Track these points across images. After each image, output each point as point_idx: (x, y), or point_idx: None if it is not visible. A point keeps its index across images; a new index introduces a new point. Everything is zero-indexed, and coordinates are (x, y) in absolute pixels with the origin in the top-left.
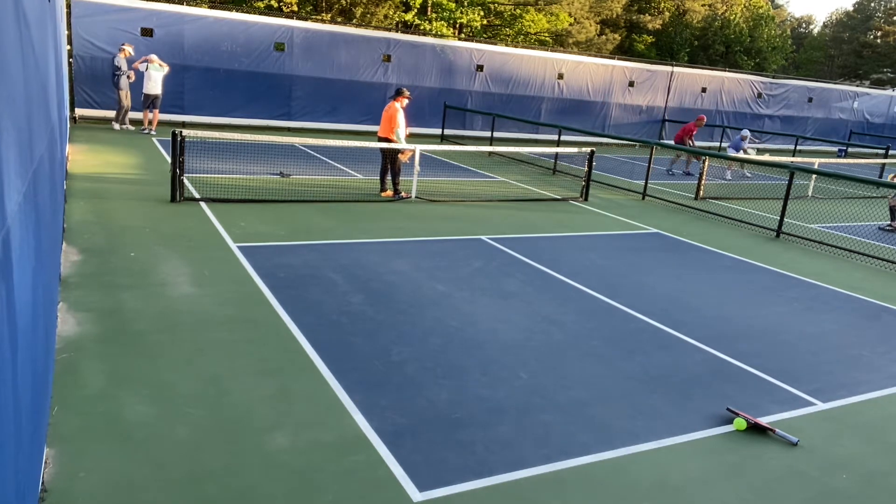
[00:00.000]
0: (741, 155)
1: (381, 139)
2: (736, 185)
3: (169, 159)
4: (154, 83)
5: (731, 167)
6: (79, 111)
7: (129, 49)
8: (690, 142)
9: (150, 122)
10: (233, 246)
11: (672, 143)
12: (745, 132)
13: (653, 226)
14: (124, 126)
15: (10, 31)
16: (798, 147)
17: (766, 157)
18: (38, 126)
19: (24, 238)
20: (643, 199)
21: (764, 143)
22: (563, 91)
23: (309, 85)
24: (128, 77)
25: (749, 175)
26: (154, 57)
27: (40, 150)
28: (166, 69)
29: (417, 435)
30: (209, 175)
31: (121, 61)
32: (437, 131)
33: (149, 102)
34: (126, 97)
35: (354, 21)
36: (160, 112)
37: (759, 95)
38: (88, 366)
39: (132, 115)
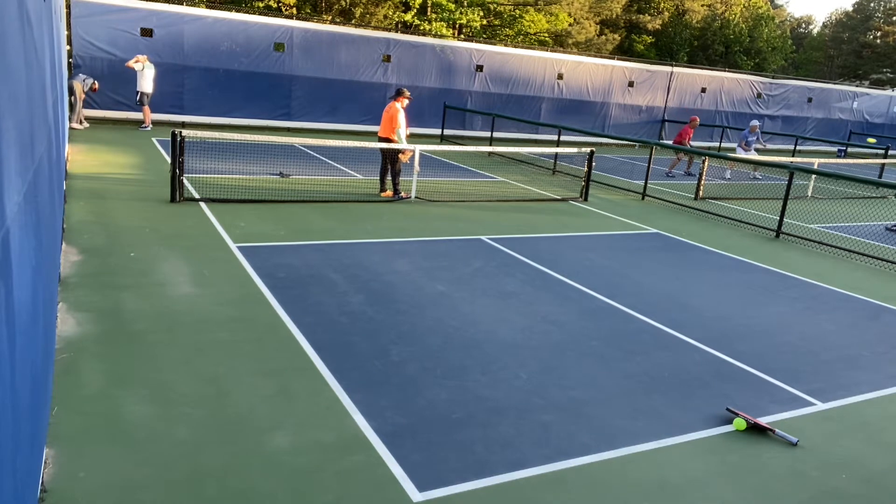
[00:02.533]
0: (743, 155)
1: (381, 139)
2: (736, 185)
3: (168, 159)
4: (148, 81)
5: (733, 167)
6: None
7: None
8: (689, 144)
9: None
10: (232, 246)
11: (671, 143)
12: (755, 122)
13: (653, 226)
14: (83, 124)
15: (14, 30)
16: (798, 147)
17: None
18: (38, 126)
19: (24, 238)
20: (643, 199)
21: (765, 142)
22: (562, 91)
23: (308, 85)
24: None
25: (759, 177)
26: (144, 56)
27: (40, 150)
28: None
29: (417, 435)
30: (209, 175)
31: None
32: (437, 131)
33: (143, 99)
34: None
35: (354, 21)
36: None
37: (759, 96)
38: (88, 366)
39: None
